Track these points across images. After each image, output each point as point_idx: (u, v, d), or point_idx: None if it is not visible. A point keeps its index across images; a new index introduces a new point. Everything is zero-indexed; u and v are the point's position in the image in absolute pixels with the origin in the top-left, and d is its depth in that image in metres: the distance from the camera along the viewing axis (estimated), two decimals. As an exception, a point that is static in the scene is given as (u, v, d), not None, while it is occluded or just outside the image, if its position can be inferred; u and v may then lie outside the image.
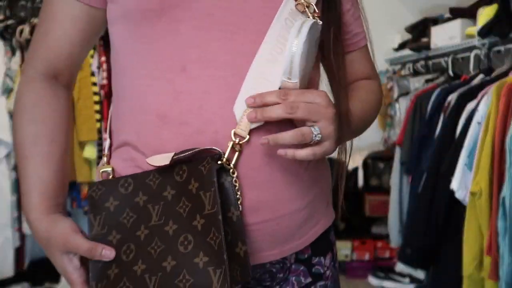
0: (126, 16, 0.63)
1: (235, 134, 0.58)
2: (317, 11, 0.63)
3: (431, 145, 1.84)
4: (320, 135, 0.57)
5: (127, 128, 0.65)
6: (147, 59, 0.62)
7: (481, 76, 1.87)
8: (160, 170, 0.59)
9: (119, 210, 0.61)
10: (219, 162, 0.57)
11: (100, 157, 2.55)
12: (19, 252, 2.61)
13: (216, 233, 0.54)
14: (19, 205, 2.57)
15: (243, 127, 0.58)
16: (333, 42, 0.68)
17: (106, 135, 0.70)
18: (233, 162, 0.58)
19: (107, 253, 0.58)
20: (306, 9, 0.62)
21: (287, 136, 0.56)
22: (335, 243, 0.78)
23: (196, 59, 0.60)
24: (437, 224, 1.72)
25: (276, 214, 0.62)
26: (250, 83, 0.59)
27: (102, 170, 0.67)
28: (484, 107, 1.51)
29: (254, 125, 0.59)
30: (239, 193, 0.59)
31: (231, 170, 0.58)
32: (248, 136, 0.59)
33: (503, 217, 1.28)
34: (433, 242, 1.75)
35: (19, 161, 0.66)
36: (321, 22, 0.62)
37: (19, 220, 2.56)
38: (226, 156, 0.58)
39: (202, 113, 0.59)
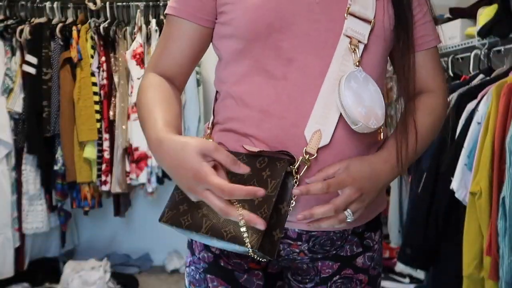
0: (236, 35, 0.80)
1: (305, 151, 0.74)
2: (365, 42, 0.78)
3: (431, 145, 1.84)
4: (351, 218, 0.73)
5: (233, 119, 0.81)
6: (254, 68, 0.79)
7: (481, 76, 1.87)
8: (249, 155, 0.75)
9: None
10: (290, 167, 0.73)
11: (100, 157, 2.56)
12: (19, 252, 2.61)
13: (266, 209, 0.70)
14: (19, 205, 2.57)
15: (313, 146, 0.74)
16: (402, 51, 0.82)
17: (206, 125, 0.90)
18: (301, 173, 0.74)
19: (244, 167, 0.65)
20: (356, 50, 0.76)
21: (321, 212, 0.71)
22: (383, 224, 0.95)
23: (295, 69, 0.77)
24: (437, 224, 1.72)
25: None
26: (320, 108, 0.76)
27: (205, 139, 0.80)
28: (484, 107, 1.51)
29: (322, 144, 0.74)
30: (288, 190, 0.73)
31: (296, 177, 0.73)
32: (316, 154, 0.74)
33: (503, 217, 1.28)
34: (433, 242, 1.75)
35: (143, 115, 0.77)
36: (359, 70, 0.76)
37: (19, 220, 2.56)
38: (296, 165, 0.74)
39: (298, 111, 0.76)
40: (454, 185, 1.55)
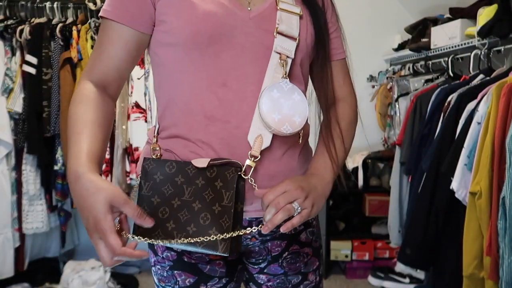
0: (178, 44, 0.85)
1: (250, 155, 0.84)
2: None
3: (431, 145, 1.84)
4: (300, 208, 0.81)
5: (178, 125, 0.88)
6: (195, 76, 0.86)
7: (481, 76, 1.87)
8: (198, 166, 0.84)
9: (162, 182, 0.84)
10: (239, 173, 0.83)
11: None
12: (19, 252, 2.61)
13: (227, 219, 0.81)
14: (19, 205, 2.57)
15: (256, 149, 0.84)
16: (321, 64, 0.96)
17: (150, 132, 0.94)
18: (249, 174, 0.84)
19: (149, 221, 0.75)
20: (284, 64, 0.87)
21: (279, 218, 0.78)
22: None
23: (234, 77, 0.85)
24: (437, 224, 1.72)
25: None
26: (256, 119, 0.85)
27: (153, 148, 0.90)
28: (484, 107, 1.51)
29: (264, 147, 0.85)
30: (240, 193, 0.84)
31: (246, 178, 0.84)
32: (259, 156, 0.84)
33: (503, 217, 1.28)
34: (433, 242, 1.75)
35: (71, 135, 0.81)
36: (285, 81, 0.86)
37: (19, 220, 2.56)
38: (243, 169, 0.84)
39: (239, 114, 0.85)
40: (454, 185, 1.55)
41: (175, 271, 0.94)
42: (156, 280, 0.98)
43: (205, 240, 0.80)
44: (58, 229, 2.78)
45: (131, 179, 2.58)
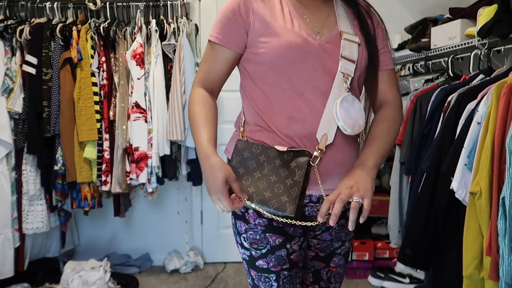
0: (267, 64, 1.14)
1: (318, 148, 1.13)
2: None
3: (431, 145, 1.84)
4: (360, 199, 1.07)
5: (265, 122, 1.17)
6: (278, 87, 1.15)
7: (481, 76, 1.87)
8: (279, 151, 1.13)
9: (248, 158, 1.14)
10: (309, 159, 1.12)
11: (100, 157, 2.56)
12: (19, 252, 2.61)
13: (297, 190, 1.10)
14: (19, 205, 2.57)
15: (322, 145, 1.13)
16: (370, 78, 1.25)
17: (237, 123, 1.27)
18: (316, 162, 1.13)
19: (245, 196, 1.11)
20: (347, 81, 1.14)
21: (339, 209, 1.06)
22: None
23: (308, 90, 1.14)
24: (437, 224, 1.72)
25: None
26: (325, 119, 1.13)
27: (242, 135, 1.22)
28: (484, 107, 1.51)
29: (328, 142, 1.13)
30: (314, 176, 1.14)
31: (313, 165, 1.13)
32: (324, 149, 1.14)
33: (503, 217, 1.28)
34: (433, 242, 1.75)
35: (194, 127, 1.16)
36: (349, 94, 1.13)
37: (19, 220, 2.57)
38: (312, 158, 1.13)
39: (313, 117, 1.14)
40: (454, 185, 1.55)
41: (267, 234, 1.20)
42: (247, 245, 1.23)
43: (274, 203, 1.08)
44: (58, 229, 2.78)
45: (131, 179, 2.58)
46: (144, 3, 2.71)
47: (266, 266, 1.21)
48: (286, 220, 1.12)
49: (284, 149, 1.11)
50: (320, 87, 1.13)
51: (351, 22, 1.19)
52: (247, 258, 1.24)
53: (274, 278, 1.21)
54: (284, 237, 1.20)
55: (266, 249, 1.20)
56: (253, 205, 1.10)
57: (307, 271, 1.35)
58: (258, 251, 1.21)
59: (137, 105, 2.54)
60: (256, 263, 1.22)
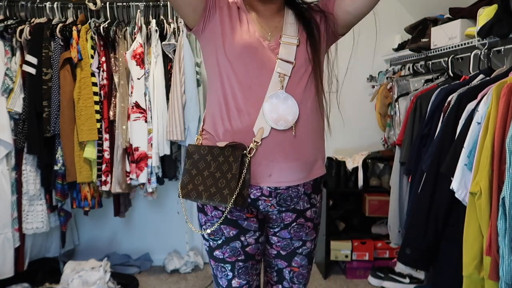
0: (223, 54, 1.25)
1: (254, 141, 1.21)
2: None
3: (431, 145, 1.84)
4: None
5: (219, 114, 1.26)
6: (232, 77, 1.25)
7: (481, 76, 1.87)
8: (220, 147, 1.22)
9: (198, 160, 1.25)
10: (244, 152, 1.20)
11: (100, 157, 2.56)
12: (19, 252, 2.61)
13: (235, 182, 1.19)
14: (19, 205, 2.57)
15: (257, 138, 1.21)
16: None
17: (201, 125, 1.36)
18: (252, 154, 1.21)
19: None
20: (282, 80, 1.24)
21: None
22: (323, 189, 1.50)
23: (255, 83, 1.24)
24: (437, 224, 1.72)
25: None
26: (261, 114, 1.22)
27: (197, 138, 1.34)
28: (484, 107, 1.51)
29: (264, 135, 1.21)
30: (245, 166, 1.21)
31: (249, 156, 1.21)
32: (260, 142, 1.21)
33: (503, 217, 1.28)
34: (433, 242, 1.75)
35: None
36: (282, 91, 1.23)
37: (19, 220, 2.56)
38: (248, 150, 1.21)
39: (258, 109, 1.22)
40: (454, 185, 1.55)
41: (222, 226, 1.29)
42: (206, 236, 1.32)
43: (217, 197, 1.19)
44: (58, 229, 2.78)
45: (131, 179, 2.58)
46: (144, 3, 2.71)
47: (222, 257, 1.31)
48: (238, 213, 1.27)
49: (223, 145, 1.20)
50: (264, 83, 1.23)
51: (298, 27, 1.31)
52: (207, 249, 1.35)
53: (229, 268, 1.32)
54: (238, 229, 1.29)
55: (221, 240, 1.30)
56: (204, 201, 1.22)
57: (271, 270, 1.43)
58: (215, 242, 1.31)
59: (137, 105, 2.54)
60: (214, 253, 1.33)
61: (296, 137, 1.23)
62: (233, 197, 1.17)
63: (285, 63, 1.25)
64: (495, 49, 1.87)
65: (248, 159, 1.20)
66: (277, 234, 1.35)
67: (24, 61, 2.51)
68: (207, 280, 2.94)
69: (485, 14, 1.89)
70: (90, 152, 2.53)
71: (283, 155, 1.23)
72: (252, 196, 1.26)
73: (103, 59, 2.55)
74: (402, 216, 2.27)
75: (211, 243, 1.32)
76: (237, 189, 1.18)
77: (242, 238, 1.30)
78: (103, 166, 2.56)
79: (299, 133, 1.24)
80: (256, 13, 1.32)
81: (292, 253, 1.37)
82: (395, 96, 2.64)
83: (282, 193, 1.27)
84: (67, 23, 2.58)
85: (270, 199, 1.26)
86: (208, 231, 1.30)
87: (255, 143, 1.21)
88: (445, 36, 2.26)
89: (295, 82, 1.25)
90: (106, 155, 2.56)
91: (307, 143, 1.27)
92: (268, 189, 1.26)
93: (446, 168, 1.62)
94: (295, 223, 1.33)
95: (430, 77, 2.46)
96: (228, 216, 1.28)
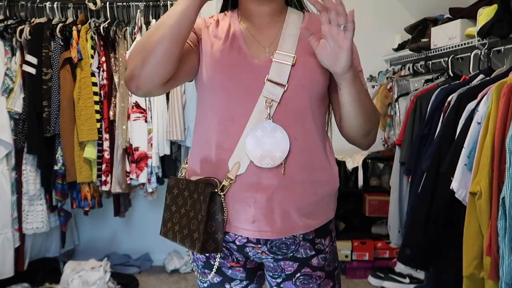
0: (201, 85, 1.08)
1: (227, 177, 1.00)
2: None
3: (431, 145, 1.84)
4: (346, 28, 0.91)
5: (197, 151, 1.09)
6: (213, 109, 1.05)
7: (481, 76, 1.87)
8: (195, 182, 1.04)
9: (177, 195, 1.08)
10: (214, 190, 1.00)
11: (100, 157, 2.56)
12: (19, 252, 2.61)
13: (203, 226, 0.99)
14: (19, 205, 2.57)
15: (232, 174, 1.00)
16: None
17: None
18: (225, 191, 1.01)
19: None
20: (268, 108, 1.01)
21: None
22: (334, 230, 1.15)
23: (239, 113, 1.02)
24: (437, 224, 1.72)
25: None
26: (239, 147, 1.01)
27: (181, 167, 1.16)
28: (484, 107, 1.51)
29: (240, 172, 1.00)
30: (225, 205, 1.01)
31: (221, 194, 1.01)
32: (234, 179, 1.01)
33: (503, 217, 1.28)
34: (433, 242, 1.75)
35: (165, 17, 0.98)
36: (268, 122, 1.00)
37: (19, 220, 2.56)
38: (219, 188, 1.01)
39: (240, 143, 1.01)
40: (454, 185, 1.55)
41: (206, 270, 1.12)
42: (195, 273, 1.17)
43: (188, 241, 1.02)
44: (58, 229, 2.78)
45: (131, 179, 2.58)
46: (144, 3, 2.71)
47: None
48: (221, 260, 1.09)
49: (195, 179, 1.04)
50: (249, 112, 1.01)
51: (299, 40, 1.06)
52: (198, 284, 1.20)
53: None
54: (222, 277, 1.12)
55: (206, 284, 1.14)
56: (178, 243, 1.06)
57: None
58: (202, 283, 1.16)
59: (137, 105, 2.54)
60: None
61: (285, 174, 1.00)
62: (200, 244, 0.98)
63: (276, 85, 1.01)
64: (495, 49, 1.87)
65: (221, 197, 1.00)
66: (282, 286, 1.11)
67: (24, 61, 2.51)
68: (207, 280, 2.94)
69: (485, 14, 1.89)
70: (90, 152, 2.53)
71: (268, 198, 1.00)
72: (237, 243, 1.05)
73: (103, 59, 2.55)
74: (402, 216, 2.27)
75: (199, 283, 1.18)
76: (205, 234, 0.99)
77: (228, 286, 1.13)
78: (103, 166, 2.56)
79: (290, 171, 1.01)
80: (250, 23, 1.10)
81: None
82: (395, 96, 2.64)
83: (273, 240, 1.03)
84: (67, 23, 2.57)
85: (259, 246, 1.04)
86: (196, 270, 1.15)
87: (229, 180, 1.00)
88: (445, 36, 2.26)
89: (285, 109, 1.02)
90: (106, 155, 2.56)
91: (301, 182, 1.03)
92: (254, 239, 1.04)
93: (446, 168, 1.62)
94: (299, 274, 1.08)
95: (430, 77, 2.46)
96: (211, 262, 1.10)
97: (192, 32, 1.06)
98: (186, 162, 1.15)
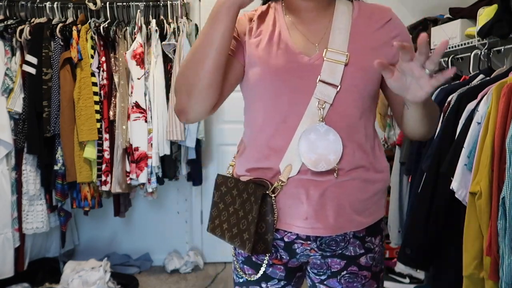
0: (249, 89, 1.05)
1: (279, 179, 1.00)
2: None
3: (431, 145, 1.84)
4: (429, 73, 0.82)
5: (247, 152, 1.08)
6: (264, 112, 1.03)
7: (481, 76, 1.87)
8: (244, 182, 1.05)
9: (225, 193, 1.09)
10: (266, 192, 1.00)
11: (100, 157, 2.56)
12: (19, 252, 2.61)
13: (254, 226, 1.00)
14: (19, 205, 2.57)
15: (283, 176, 0.99)
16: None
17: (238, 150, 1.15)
18: (276, 193, 1.00)
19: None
20: (321, 110, 0.98)
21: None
22: (385, 229, 1.10)
23: (291, 114, 0.99)
24: (437, 224, 1.72)
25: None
26: (291, 149, 1.00)
27: (230, 164, 1.14)
28: (484, 107, 1.51)
29: (292, 174, 0.99)
30: (275, 207, 1.00)
31: (273, 196, 1.00)
32: (286, 181, 0.99)
33: (503, 217, 1.28)
34: (433, 242, 1.75)
35: (198, 44, 0.98)
36: (321, 124, 0.98)
37: (19, 220, 2.56)
38: (271, 189, 1.00)
39: (292, 145, 1.00)
40: (454, 185, 1.55)
41: (245, 266, 1.12)
42: (232, 267, 1.17)
43: (237, 240, 1.03)
44: (58, 229, 2.78)
45: (131, 179, 2.58)
46: (144, 3, 2.71)
47: None
48: (263, 256, 1.07)
49: (245, 180, 1.04)
50: (301, 113, 0.99)
51: (350, 34, 1.01)
52: (233, 277, 1.20)
53: None
54: (260, 275, 1.11)
55: (242, 280, 1.13)
56: (227, 241, 1.07)
57: None
58: (238, 278, 1.15)
59: (137, 105, 2.54)
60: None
61: (338, 177, 0.99)
62: (251, 244, 0.99)
63: (327, 86, 0.98)
64: (495, 49, 1.87)
65: (272, 199, 1.00)
66: (325, 283, 1.09)
67: (24, 61, 2.51)
68: (207, 280, 2.94)
69: (485, 14, 1.89)
70: (90, 152, 2.53)
71: (321, 194, 0.99)
72: (286, 240, 1.04)
73: (103, 59, 2.55)
74: (402, 216, 2.27)
75: (234, 277, 1.17)
76: (256, 235, 0.99)
77: (264, 285, 1.11)
78: (103, 166, 2.56)
79: (342, 171, 0.99)
80: (297, 17, 1.05)
81: None
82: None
83: (323, 237, 1.03)
84: (67, 23, 2.58)
85: (309, 242, 1.03)
86: (235, 264, 1.15)
87: (280, 182, 0.99)
88: (445, 36, 2.26)
89: (337, 110, 0.99)
90: (106, 155, 2.56)
91: (353, 180, 1.01)
92: (304, 235, 1.04)
93: (446, 168, 1.62)
94: (345, 272, 1.06)
95: (430, 77, 2.45)
96: (253, 259, 1.10)
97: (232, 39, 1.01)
98: (235, 156, 1.14)
